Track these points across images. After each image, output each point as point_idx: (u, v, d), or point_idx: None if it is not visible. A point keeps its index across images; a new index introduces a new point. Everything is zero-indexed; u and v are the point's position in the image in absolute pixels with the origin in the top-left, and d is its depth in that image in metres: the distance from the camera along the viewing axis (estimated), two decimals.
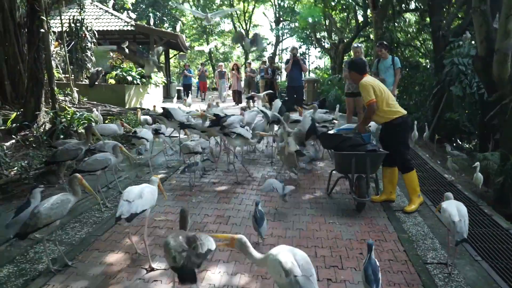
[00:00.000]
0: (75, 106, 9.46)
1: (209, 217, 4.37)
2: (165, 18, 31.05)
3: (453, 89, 8.56)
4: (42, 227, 2.96)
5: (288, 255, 2.47)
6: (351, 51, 9.60)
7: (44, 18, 6.84)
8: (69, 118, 6.93)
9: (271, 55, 21.70)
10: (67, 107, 8.04)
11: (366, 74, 4.78)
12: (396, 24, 17.88)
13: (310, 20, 21.75)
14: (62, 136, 6.35)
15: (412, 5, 17.46)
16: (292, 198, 5.01)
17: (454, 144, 9.17)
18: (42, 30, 6.85)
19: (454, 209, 3.25)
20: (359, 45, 9.63)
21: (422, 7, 15.75)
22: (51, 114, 6.98)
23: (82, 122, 7.29)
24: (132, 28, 16.60)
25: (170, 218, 4.32)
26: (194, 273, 2.51)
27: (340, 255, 3.52)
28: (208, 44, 32.98)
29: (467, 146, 10.24)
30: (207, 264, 3.33)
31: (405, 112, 4.66)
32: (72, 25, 12.36)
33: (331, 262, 3.41)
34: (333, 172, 5.17)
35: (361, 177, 4.54)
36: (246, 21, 32.19)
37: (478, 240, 3.90)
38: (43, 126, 6.85)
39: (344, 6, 19.13)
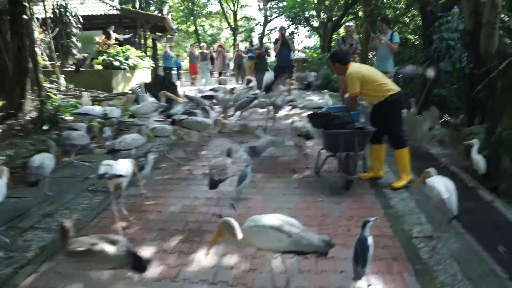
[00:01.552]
0: (62, 93, 9.35)
1: (199, 199, 4.39)
2: (151, 1, 30.53)
3: (442, 65, 8.54)
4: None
5: (271, 218, 2.53)
6: (343, 29, 9.58)
7: (26, 4, 6.70)
8: (56, 106, 6.85)
9: (260, 35, 21.51)
10: (53, 95, 7.94)
11: (350, 63, 4.76)
12: (384, 0, 17.78)
13: None
14: (49, 125, 6.29)
15: None
16: (280, 178, 5.05)
17: (442, 119, 9.22)
18: (25, 17, 6.72)
19: (442, 186, 3.25)
20: (351, 24, 9.62)
21: None
22: (37, 102, 6.90)
23: (69, 109, 7.22)
24: (118, 12, 16.32)
25: (160, 202, 4.34)
26: None
27: (328, 233, 3.57)
28: (195, 26, 32.61)
29: (454, 120, 10.32)
30: (196, 246, 3.37)
31: (398, 88, 4.68)
32: (56, 11, 12.13)
33: None
34: (322, 151, 5.20)
35: (349, 155, 4.58)
36: (234, 2, 31.74)
37: (463, 214, 3.96)
38: (29, 114, 6.77)
39: None
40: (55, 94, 8.85)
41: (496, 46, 5.94)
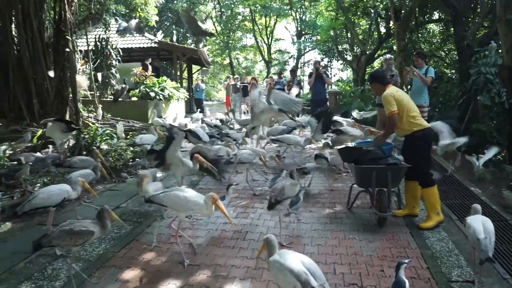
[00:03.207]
0: (99, 122, 9.65)
1: (226, 232, 4.33)
2: (188, 35, 31.68)
3: (480, 98, 8.29)
4: None
5: (297, 262, 2.44)
6: (377, 63, 9.60)
7: (69, 38, 7.05)
8: (91, 134, 7.05)
9: (293, 68, 21.70)
10: (90, 124, 8.20)
11: (389, 84, 4.69)
12: (419, 35, 17.68)
13: (331, 33, 21.71)
14: (84, 153, 6.46)
15: (436, 16, 17.22)
16: (311, 213, 4.93)
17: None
18: (67, 50, 7.06)
19: (480, 225, 3.12)
20: (391, 56, 9.61)
21: (445, 17, 15.50)
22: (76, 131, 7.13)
23: (104, 138, 7.42)
24: (156, 45, 16.96)
25: (188, 233, 4.30)
26: None
27: (359, 272, 3.41)
28: (230, 59, 33.34)
29: (495, 157, 9.91)
30: (223, 281, 3.29)
31: (427, 125, 4.53)
32: (98, 43, 12.72)
33: (350, 279, 3.30)
34: (354, 186, 5.06)
35: (382, 191, 4.42)
36: (268, 36, 32.41)
37: (507, 257, 3.71)
38: (67, 143, 7.00)
39: (365, 13, 18.95)
40: (93, 123, 9.15)
41: None
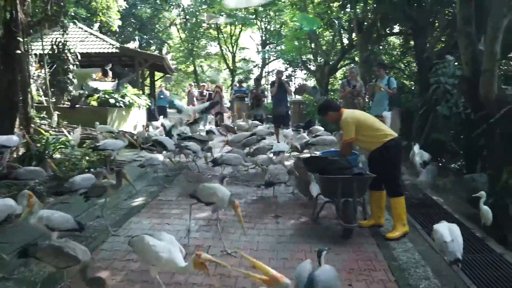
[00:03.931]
0: (54, 129, 9.15)
1: (188, 247, 4.09)
2: (151, 41, 31.13)
3: (439, 108, 8.50)
4: None
5: None
6: (339, 74, 9.73)
7: (20, 39, 6.63)
8: (43, 143, 6.63)
9: (257, 77, 21.69)
10: (43, 131, 7.73)
11: (342, 109, 4.71)
12: (380, 47, 18.11)
13: (296, 43, 21.90)
14: (34, 163, 6.03)
15: (396, 29, 17.71)
16: (276, 224, 4.78)
17: (440, 164, 9.05)
18: (18, 52, 6.62)
19: (446, 229, 3.19)
20: (355, 66, 9.72)
21: (405, 30, 15.95)
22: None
23: (58, 146, 7.00)
24: (117, 50, 16.46)
25: None
26: None
27: None
28: (194, 66, 33.02)
29: (453, 166, 10.18)
30: None
31: (395, 134, 4.52)
32: (54, 47, 12.15)
33: None
34: (319, 196, 4.96)
35: (347, 202, 4.34)
36: (233, 44, 32.38)
37: (472, 267, 3.70)
38: (16, 152, 6.53)
39: (329, 25, 19.24)
40: (46, 131, 8.66)
41: (496, 93, 5.88)
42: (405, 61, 19.12)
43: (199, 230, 4.61)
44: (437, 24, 13.52)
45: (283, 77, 11.06)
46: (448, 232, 3.17)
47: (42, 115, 9.10)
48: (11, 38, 6.47)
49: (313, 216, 4.96)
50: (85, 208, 5.18)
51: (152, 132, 8.85)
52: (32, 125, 8.51)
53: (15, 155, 6.47)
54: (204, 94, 15.60)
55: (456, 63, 9.22)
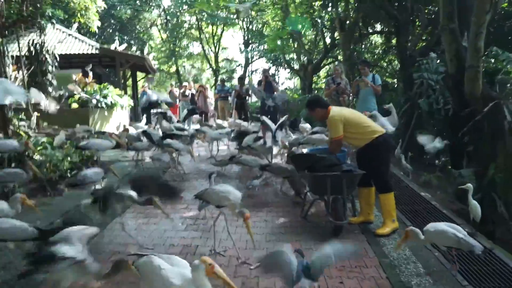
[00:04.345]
0: (33, 131, 8.89)
1: (174, 247, 3.98)
2: (132, 42, 30.69)
3: (420, 103, 8.54)
4: None
5: None
6: (323, 72, 9.75)
7: None
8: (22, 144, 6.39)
9: (241, 76, 21.59)
10: (23, 133, 7.48)
11: (330, 106, 4.63)
12: (363, 45, 18.23)
13: (278, 42, 21.87)
14: (13, 164, 5.82)
15: (378, 28, 17.85)
16: (265, 222, 4.70)
17: (427, 162, 9.12)
18: None
19: (450, 228, 3.20)
20: (339, 64, 9.69)
21: (387, 29, 16.08)
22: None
23: (38, 148, 6.77)
24: (97, 51, 16.17)
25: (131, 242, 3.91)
26: None
27: (318, 285, 3.20)
28: (177, 66, 32.70)
29: (437, 162, 10.28)
30: None
31: (383, 130, 4.49)
32: (32, 48, 11.83)
33: None
34: (308, 193, 4.91)
35: (337, 199, 4.29)
36: (215, 44, 32.18)
37: (462, 262, 3.68)
38: None
39: (311, 24, 19.25)
40: (25, 132, 8.40)
41: (481, 89, 5.92)
42: (387, 60, 19.32)
43: (187, 229, 4.50)
44: (418, 22, 13.67)
45: (270, 76, 10.98)
46: (455, 229, 3.18)
47: (19, 117, 8.77)
48: None
49: (302, 213, 4.90)
50: (68, 209, 5.02)
51: (133, 132, 8.58)
52: (11, 127, 8.28)
53: None
54: (187, 94, 15.37)
55: (438, 61, 9.31)
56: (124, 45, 16.74)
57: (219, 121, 11.30)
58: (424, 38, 13.78)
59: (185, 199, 5.37)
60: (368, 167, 4.39)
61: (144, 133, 6.99)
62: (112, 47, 17.54)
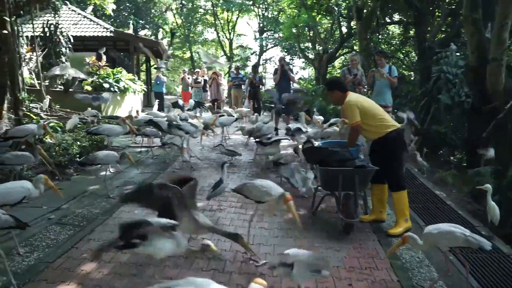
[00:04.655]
0: (45, 113, 8.87)
1: None
2: (147, 26, 30.58)
3: (441, 97, 8.27)
4: None
5: None
6: (338, 62, 9.50)
7: (7, 19, 6.32)
8: None
9: (255, 64, 21.35)
10: (33, 115, 7.44)
11: (349, 92, 4.44)
12: (379, 36, 17.83)
13: (294, 30, 21.53)
14: (23, 147, 5.78)
15: (396, 18, 17.43)
16: (273, 217, 4.58)
17: (442, 159, 8.89)
18: (5, 32, 6.32)
19: (453, 227, 3.08)
20: (356, 54, 9.41)
21: (406, 19, 15.68)
22: (14, 122, 6.42)
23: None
24: (111, 34, 16.08)
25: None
26: None
27: (326, 287, 3.10)
28: (191, 52, 32.53)
29: (452, 159, 10.03)
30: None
31: (398, 125, 4.31)
32: (46, 29, 11.78)
33: None
34: (318, 188, 4.77)
35: (348, 195, 4.15)
36: (230, 31, 31.88)
37: (478, 267, 3.53)
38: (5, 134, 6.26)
39: (327, 11, 18.90)
40: (37, 114, 8.39)
41: (503, 84, 5.67)
42: (404, 51, 18.90)
43: None
44: (438, 12, 13.28)
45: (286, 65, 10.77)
46: (460, 229, 3.04)
47: (31, 98, 8.73)
48: None
49: (312, 209, 4.77)
50: (74, 195, 4.98)
51: (140, 117, 8.47)
52: (24, 109, 8.26)
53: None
54: (199, 80, 15.21)
55: (458, 53, 9.01)
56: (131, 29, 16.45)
57: (226, 108, 11.21)
58: (443, 29, 13.40)
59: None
60: (380, 163, 4.23)
61: (150, 121, 6.90)
62: (130, 31, 17.49)
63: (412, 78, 15.17)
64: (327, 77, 18.99)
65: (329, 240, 3.98)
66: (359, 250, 3.78)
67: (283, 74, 10.17)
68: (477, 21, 6.02)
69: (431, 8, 12.60)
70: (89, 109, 8.95)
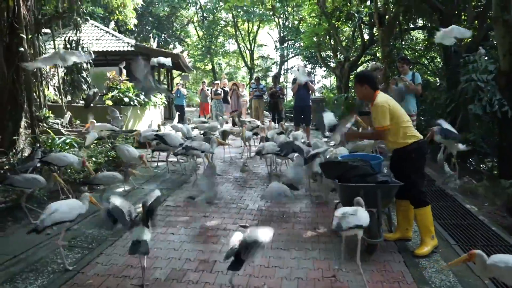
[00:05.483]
0: (65, 129, 8.91)
1: (191, 262, 3.68)
2: (169, 39, 30.99)
3: (472, 108, 7.83)
4: None
5: None
6: (374, 69, 9.19)
7: (23, 36, 6.35)
8: (49, 144, 6.33)
9: (275, 74, 21.20)
10: (51, 131, 7.43)
11: (378, 91, 4.10)
12: (403, 42, 17.38)
13: (315, 39, 21.29)
14: (39, 164, 5.72)
15: (420, 23, 16.97)
16: (290, 236, 4.33)
17: (471, 168, 8.43)
18: (22, 49, 6.34)
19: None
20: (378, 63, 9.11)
21: (430, 24, 15.22)
22: (31, 139, 6.41)
23: (65, 147, 6.71)
24: (132, 48, 16.25)
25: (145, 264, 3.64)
26: None
27: None
28: (212, 64, 32.71)
29: (483, 167, 9.53)
30: None
31: (421, 136, 4.01)
32: (68, 45, 11.96)
33: None
34: (338, 205, 4.49)
35: (371, 213, 3.85)
36: (251, 42, 31.92)
37: None
38: (21, 153, 6.26)
39: (348, 19, 18.61)
40: (58, 130, 8.43)
41: None
42: (428, 56, 18.37)
43: (206, 241, 4.19)
44: (463, 16, 12.80)
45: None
46: None
47: (48, 115, 8.74)
48: (13, 35, 6.19)
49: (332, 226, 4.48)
50: (86, 215, 4.84)
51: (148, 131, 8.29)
52: (45, 125, 8.30)
53: (19, 156, 6.20)
54: (219, 92, 15.11)
55: (486, 58, 8.56)
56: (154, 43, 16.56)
57: (246, 119, 11.06)
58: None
59: (205, 208, 5.03)
60: (400, 176, 3.93)
61: (157, 136, 6.80)
62: (153, 45, 17.68)
63: (437, 85, 14.66)
64: (349, 85, 18.64)
65: (350, 261, 3.68)
66: (383, 273, 3.48)
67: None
68: (508, 22, 5.65)
69: (456, 12, 12.15)
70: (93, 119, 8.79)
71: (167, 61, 12.64)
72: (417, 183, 3.95)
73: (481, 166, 9.75)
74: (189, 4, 31.78)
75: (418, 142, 3.93)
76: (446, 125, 5.76)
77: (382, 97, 3.98)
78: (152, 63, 12.94)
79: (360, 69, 22.82)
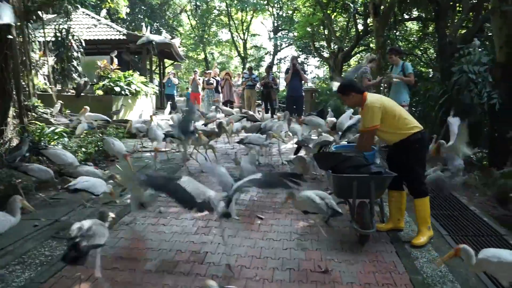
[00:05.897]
0: (54, 118, 8.79)
1: (182, 254, 3.65)
2: (161, 28, 30.62)
3: (462, 98, 7.85)
4: None
5: None
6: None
7: (12, 24, 6.19)
8: (38, 134, 6.23)
9: (269, 64, 21.06)
10: (38, 123, 7.28)
11: (366, 92, 4.07)
12: (397, 33, 17.32)
13: (309, 29, 21.17)
14: (27, 154, 5.61)
15: (415, 14, 16.91)
16: (283, 227, 4.31)
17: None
18: (10, 37, 6.20)
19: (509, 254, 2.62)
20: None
21: (425, 15, 15.17)
22: (19, 129, 6.30)
23: (55, 137, 6.61)
24: (124, 37, 16.03)
25: (132, 255, 3.60)
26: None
27: None
28: (205, 53, 32.44)
29: (473, 158, 9.58)
30: None
31: (421, 126, 3.98)
32: (58, 34, 11.76)
33: None
34: (331, 195, 4.46)
35: (364, 204, 3.85)
36: (244, 31, 31.67)
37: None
38: (9, 143, 6.15)
39: (343, 9, 18.51)
40: (47, 120, 8.30)
41: None
42: (422, 48, 18.36)
43: (197, 232, 4.16)
44: (459, 7, 12.76)
45: (298, 64, 10.50)
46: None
47: (37, 104, 8.60)
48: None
49: (324, 217, 4.47)
50: (74, 207, 4.78)
51: (136, 122, 8.18)
52: (34, 114, 8.17)
53: (7, 146, 6.09)
54: (211, 81, 14.95)
55: (480, 49, 8.54)
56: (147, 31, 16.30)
57: (236, 109, 10.99)
58: (464, 24, 12.87)
59: None
60: (401, 168, 3.91)
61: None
62: (146, 33, 17.45)
63: (430, 76, 14.66)
64: (342, 76, 18.59)
65: (342, 251, 3.69)
66: (375, 263, 3.47)
67: (295, 73, 9.91)
68: (506, 13, 5.58)
69: (452, 3, 12.10)
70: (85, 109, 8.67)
71: (160, 38, 12.45)
72: (419, 174, 3.96)
73: (471, 156, 9.79)
74: None
75: (421, 132, 3.91)
76: (455, 125, 5.70)
77: (371, 97, 3.98)
78: (141, 41, 12.82)
79: (353, 59, 22.80)
